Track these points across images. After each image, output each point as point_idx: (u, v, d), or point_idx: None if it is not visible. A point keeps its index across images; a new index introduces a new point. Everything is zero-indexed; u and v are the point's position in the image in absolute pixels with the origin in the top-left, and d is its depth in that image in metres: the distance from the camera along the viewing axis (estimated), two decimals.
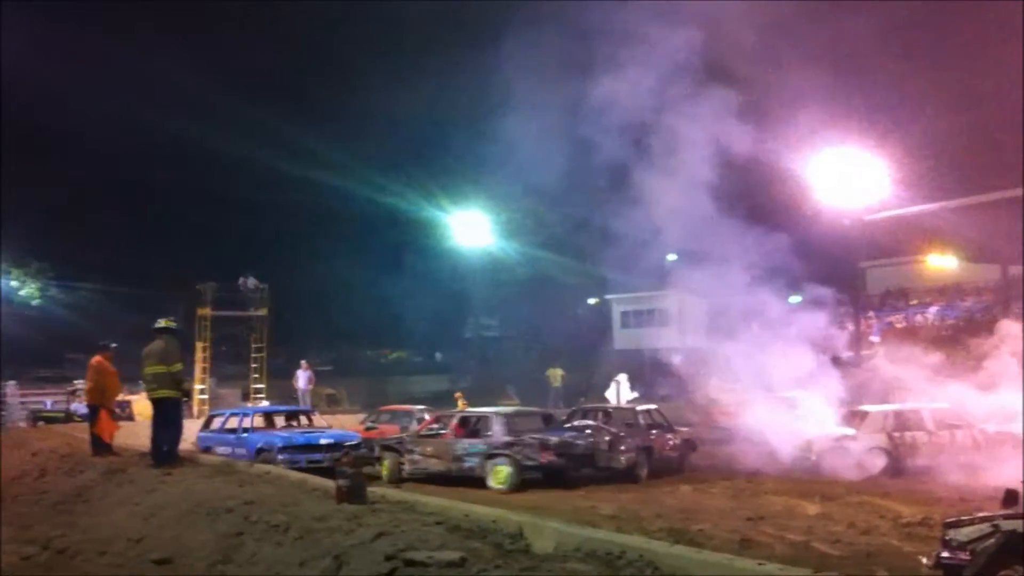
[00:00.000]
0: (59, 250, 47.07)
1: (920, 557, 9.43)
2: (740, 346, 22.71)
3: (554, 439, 19.03)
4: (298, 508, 8.35)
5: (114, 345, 15.89)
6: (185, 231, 52.15)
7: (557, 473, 18.63)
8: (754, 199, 25.83)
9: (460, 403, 30.73)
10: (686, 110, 22.58)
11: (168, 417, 13.57)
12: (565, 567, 5.74)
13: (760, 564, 5.74)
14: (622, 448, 19.39)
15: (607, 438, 19.46)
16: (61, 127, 47.71)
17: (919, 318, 40.02)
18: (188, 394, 14.70)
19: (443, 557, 5.99)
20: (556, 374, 38.61)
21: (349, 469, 9.05)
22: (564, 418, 22.11)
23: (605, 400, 27.91)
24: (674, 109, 22.80)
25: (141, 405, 24.14)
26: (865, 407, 21.22)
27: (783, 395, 22.20)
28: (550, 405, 32.66)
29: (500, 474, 18.60)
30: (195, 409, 29.22)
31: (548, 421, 21.57)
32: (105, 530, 10.08)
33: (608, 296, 48.96)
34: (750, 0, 23.43)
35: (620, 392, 28.36)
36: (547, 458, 18.38)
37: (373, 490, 9.37)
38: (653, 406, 22.08)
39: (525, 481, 18.39)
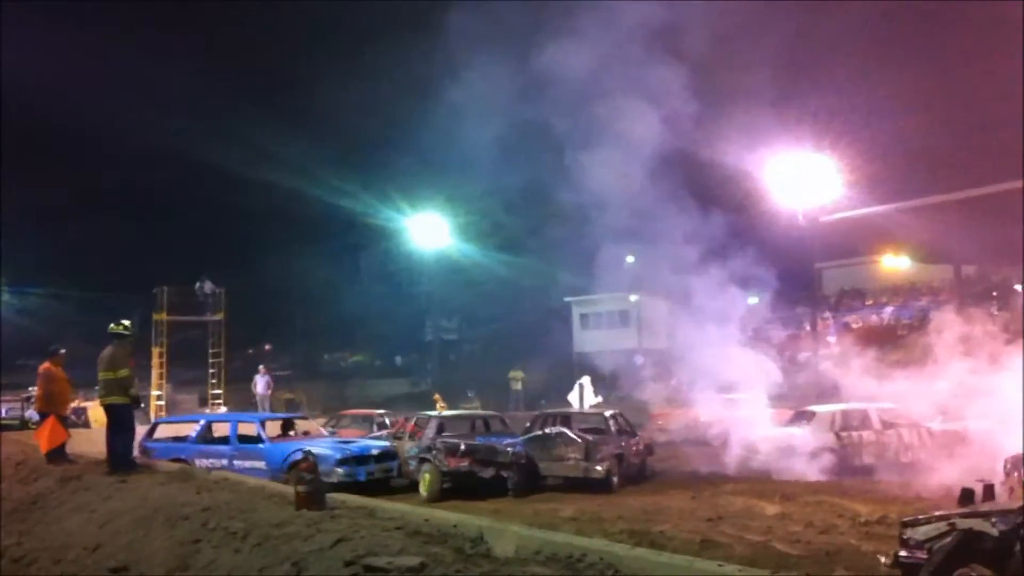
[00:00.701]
0: (11, 254, 46.39)
1: (879, 556, 9.51)
2: (697, 348, 22.81)
3: (470, 444, 18.27)
4: (256, 515, 8.26)
5: (63, 351, 15.55)
6: (141, 235, 51.72)
7: (482, 483, 17.67)
8: (710, 201, 25.99)
9: (439, 405, 30.58)
10: (641, 114, 22.72)
11: (119, 424, 13.41)
12: (526, 571, 5.72)
13: (720, 565, 5.76)
14: (599, 457, 18.62)
15: (583, 447, 18.70)
16: (13, 131, 47.08)
17: (874, 318, 40.50)
18: (138, 400, 14.40)
19: (403, 563, 5.95)
20: (517, 377, 38.65)
21: (308, 475, 8.98)
22: (528, 424, 21.22)
23: (567, 403, 27.69)
24: (629, 112, 22.93)
25: (97, 411, 23.76)
26: (813, 407, 21.54)
27: (733, 396, 22.40)
28: (511, 408, 32.66)
29: (424, 480, 17.93)
30: (151, 415, 28.89)
31: (488, 426, 21.26)
32: (61, 538, 9.94)
33: (567, 299, 49.08)
34: (707, 0, 23.59)
35: (583, 395, 27.75)
36: (455, 464, 17.68)
37: (332, 496, 9.30)
38: (616, 411, 21.79)
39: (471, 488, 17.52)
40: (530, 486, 18.03)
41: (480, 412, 24.76)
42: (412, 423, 20.63)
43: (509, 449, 18.20)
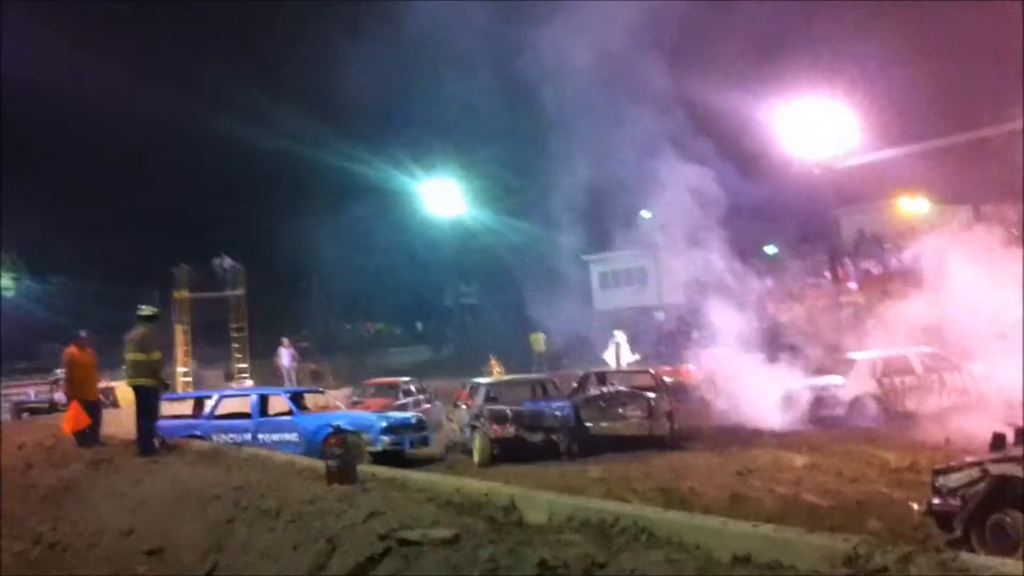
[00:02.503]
0: (29, 240, 46.55)
1: (911, 504, 9.47)
2: (717, 303, 22.70)
3: (515, 410, 18.31)
4: (288, 492, 8.29)
5: (84, 334, 15.59)
6: (156, 214, 51.58)
7: (534, 448, 17.73)
8: (725, 151, 25.79)
9: (495, 370, 30.44)
10: (652, 63, 22.49)
11: (146, 405, 13.46)
12: (560, 538, 5.71)
13: (755, 526, 5.72)
14: (660, 414, 18.70)
15: (646, 404, 18.76)
16: (27, 117, 47.03)
17: (894, 262, 40.17)
18: (166, 384, 14.47)
19: (437, 535, 5.96)
20: (538, 338, 38.56)
21: (337, 449, 8.99)
22: (576, 385, 21.21)
23: (602, 362, 27.42)
24: (640, 62, 22.71)
25: (124, 391, 23.83)
26: (852, 355, 21.21)
27: (760, 351, 22.24)
28: (534, 370, 32.62)
29: (475, 447, 18.13)
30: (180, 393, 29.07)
31: (547, 388, 21.00)
32: (94, 523, 10.00)
33: (585, 257, 48.93)
34: None
35: (620, 353, 27.44)
36: (500, 431, 17.77)
37: (362, 468, 9.32)
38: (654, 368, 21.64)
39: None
40: (582, 448, 17.95)
41: (533, 376, 24.52)
42: (465, 390, 20.75)
43: (557, 413, 18.26)
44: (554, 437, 17.89)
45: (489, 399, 19.43)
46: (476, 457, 17.93)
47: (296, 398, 19.36)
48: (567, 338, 37.40)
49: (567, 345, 37.86)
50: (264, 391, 21.13)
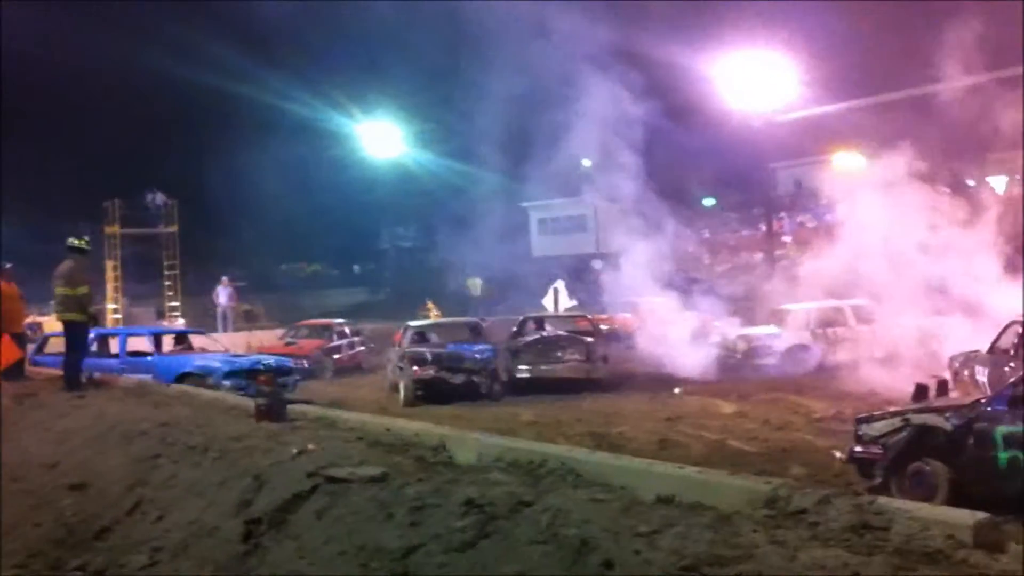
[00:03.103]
0: None
1: (834, 452, 9.69)
2: (653, 252, 22.86)
3: (435, 352, 18.89)
4: (215, 429, 8.21)
5: (9, 266, 15.24)
6: (88, 147, 50.34)
7: (455, 389, 18.13)
8: (665, 102, 25.80)
9: (431, 313, 30.61)
10: (596, 10, 22.39)
11: (73, 340, 13.23)
12: (487, 478, 5.74)
13: (680, 468, 5.81)
14: (597, 357, 19.40)
15: (585, 348, 19.48)
16: None
17: (828, 216, 40.74)
18: (95, 318, 14.16)
19: (365, 472, 5.95)
20: (475, 283, 38.69)
21: (266, 387, 8.93)
22: (515, 329, 21.58)
23: (539, 308, 27.63)
24: (584, 9, 22.59)
25: (52, 327, 23.41)
26: (787, 306, 21.56)
27: (694, 301, 22.54)
28: (469, 314, 32.68)
29: (400, 388, 18.47)
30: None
31: (475, 332, 21.44)
32: (17, 456, 9.84)
33: (524, 204, 48.87)
34: None
35: (558, 300, 27.81)
36: (421, 372, 18.17)
37: (293, 408, 9.27)
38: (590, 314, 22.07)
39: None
40: (506, 389, 18.73)
41: (460, 320, 25.09)
42: (399, 332, 21.13)
43: (477, 356, 18.82)
44: (475, 379, 18.30)
45: (416, 342, 19.85)
46: (400, 397, 18.20)
47: (158, 339, 19.26)
48: (505, 284, 37.51)
49: (504, 291, 37.96)
50: (131, 331, 21.11)
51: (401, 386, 18.43)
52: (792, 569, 3.53)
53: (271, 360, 18.70)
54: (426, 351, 18.92)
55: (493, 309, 35.41)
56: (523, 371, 19.56)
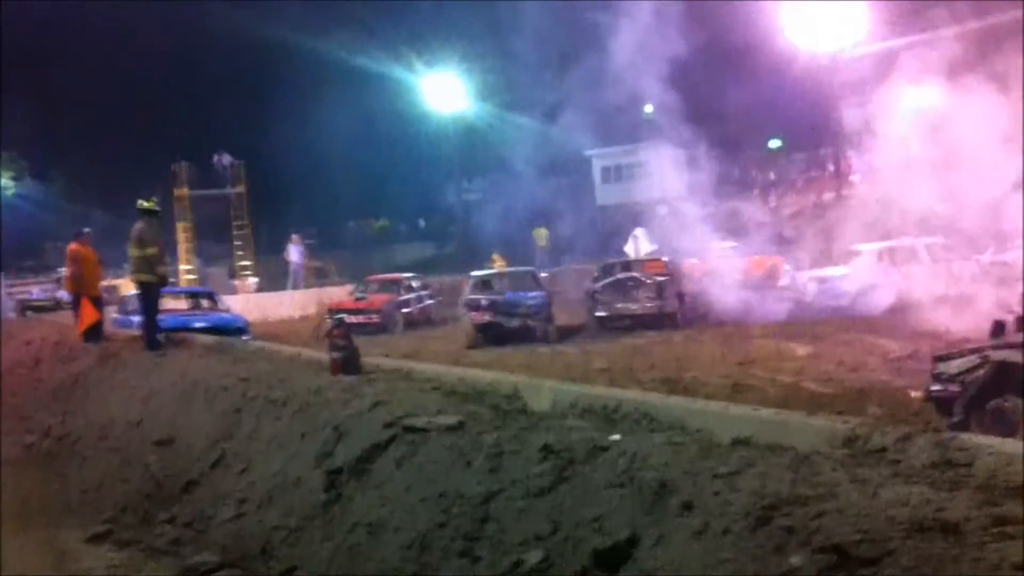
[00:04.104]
0: (30, 140, 46.19)
1: (910, 391, 9.57)
2: (717, 196, 22.70)
3: (491, 299, 20.71)
4: (294, 383, 8.36)
5: (87, 231, 15.61)
6: (156, 111, 51.00)
7: (512, 332, 19.78)
8: (729, 43, 25.33)
9: (498, 264, 31.22)
10: None
11: (146, 301, 13.42)
12: (563, 423, 5.78)
13: (755, 410, 5.79)
14: (668, 295, 20.76)
15: (655, 287, 20.77)
16: (27, 17, 46.17)
17: (897, 155, 39.76)
18: (165, 278, 14.30)
19: (442, 421, 6.02)
20: (541, 234, 38.64)
21: (342, 341, 9.05)
22: (596, 274, 22.85)
23: (624, 255, 27.76)
24: None
25: (128, 289, 23.87)
26: (859, 246, 21.22)
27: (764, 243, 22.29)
28: (537, 265, 32.75)
29: (463, 332, 20.31)
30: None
31: (533, 280, 23.24)
32: (103, 415, 10.15)
33: (588, 152, 48.51)
34: None
35: (639, 246, 27.99)
36: (479, 317, 19.97)
37: (368, 360, 9.39)
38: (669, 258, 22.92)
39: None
40: (553, 335, 20.11)
41: (519, 269, 26.90)
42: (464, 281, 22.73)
43: (530, 302, 20.71)
44: (529, 323, 20.10)
45: (477, 290, 21.97)
46: (464, 340, 19.62)
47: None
48: (570, 233, 37.44)
49: (572, 240, 37.88)
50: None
51: (463, 329, 20.38)
52: (875, 506, 3.51)
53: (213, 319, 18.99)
54: (482, 298, 20.80)
55: (560, 259, 35.43)
56: (601, 310, 21.12)
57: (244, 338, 18.10)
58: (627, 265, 23.01)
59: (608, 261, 24.38)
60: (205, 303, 21.15)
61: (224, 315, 20.18)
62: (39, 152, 47.83)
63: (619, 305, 21.00)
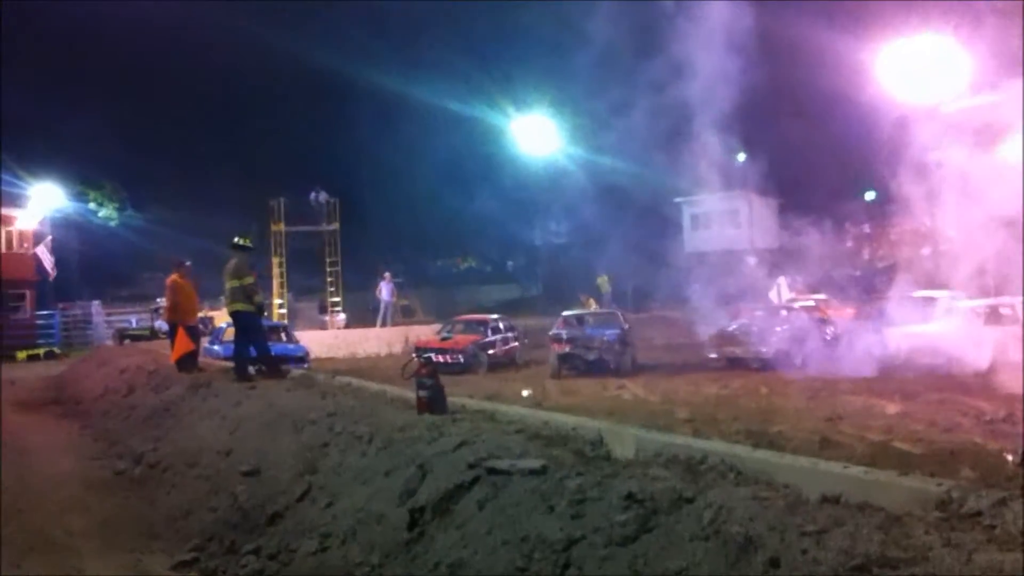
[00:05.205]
0: (131, 172, 47.66)
1: (1006, 454, 9.30)
2: (808, 247, 22.49)
3: (571, 333, 23.40)
4: (380, 419, 8.43)
5: (188, 263, 16.09)
6: (255, 147, 52.36)
7: (589, 364, 22.41)
8: (826, 95, 25.10)
9: (588, 304, 33.11)
10: (752, 6, 22.02)
11: (244, 331, 13.76)
12: (647, 472, 5.73)
13: (845, 467, 5.67)
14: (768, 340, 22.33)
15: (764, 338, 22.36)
16: (130, 48, 47.93)
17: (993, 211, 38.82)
18: (261, 308, 14.68)
19: (525, 465, 6.02)
20: (604, 281, 39.24)
21: (428, 380, 9.11)
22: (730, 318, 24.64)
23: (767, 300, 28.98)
24: (739, 6, 22.23)
25: (223, 320, 24.45)
26: (957, 302, 20.78)
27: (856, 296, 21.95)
28: (604, 307, 33.11)
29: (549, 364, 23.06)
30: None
31: (615, 319, 25.52)
32: (193, 443, 10.34)
33: (677, 199, 48.35)
34: None
35: (780, 293, 30.08)
36: (559, 348, 22.82)
37: (452, 400, 9.44)
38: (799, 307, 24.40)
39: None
40: (627, 367, 22.57)
41: (603, 310, 29.32)
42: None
43: (605, 338, 23.10)
44: (605, 356, 22.54)
45: (563, 326, 24.25)
46: (549, 370, 22.78)
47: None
48: (652, 281, 37.27)
49: (651, 287, 37.74)
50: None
51: (550, 360, 23.05)
52: (968, 571, 3.43)
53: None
54: (564, 332, 23.56)
55: (642, 303, 35.33)
56: (711, 353, 23.22)
57: (304, 366, 19.20)
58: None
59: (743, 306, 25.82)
60: (278, 335, 23.05)
61: (288, 345, 22.53)
62: (139, 184, 49.31)
63: (726, 348, 22.80)
